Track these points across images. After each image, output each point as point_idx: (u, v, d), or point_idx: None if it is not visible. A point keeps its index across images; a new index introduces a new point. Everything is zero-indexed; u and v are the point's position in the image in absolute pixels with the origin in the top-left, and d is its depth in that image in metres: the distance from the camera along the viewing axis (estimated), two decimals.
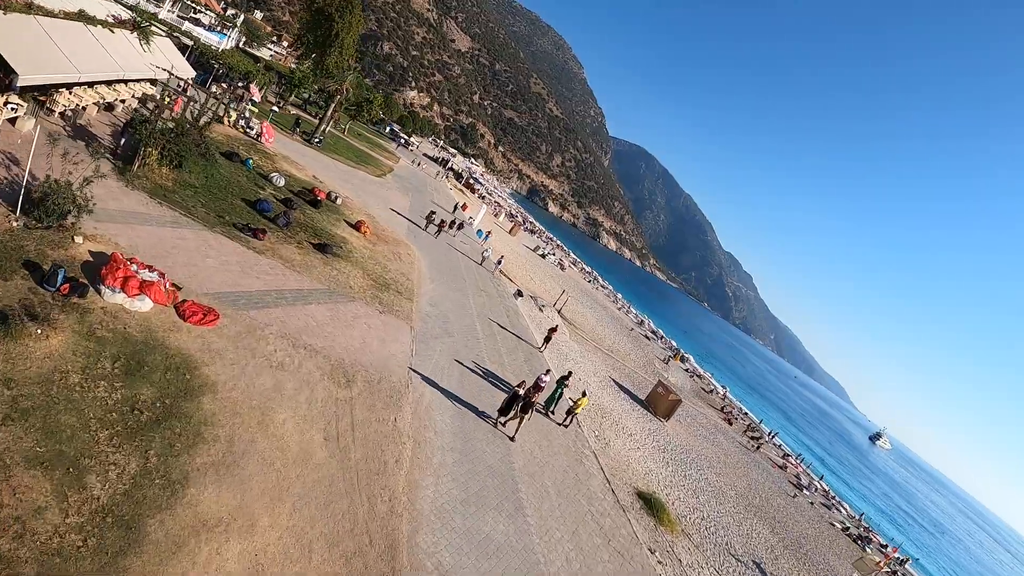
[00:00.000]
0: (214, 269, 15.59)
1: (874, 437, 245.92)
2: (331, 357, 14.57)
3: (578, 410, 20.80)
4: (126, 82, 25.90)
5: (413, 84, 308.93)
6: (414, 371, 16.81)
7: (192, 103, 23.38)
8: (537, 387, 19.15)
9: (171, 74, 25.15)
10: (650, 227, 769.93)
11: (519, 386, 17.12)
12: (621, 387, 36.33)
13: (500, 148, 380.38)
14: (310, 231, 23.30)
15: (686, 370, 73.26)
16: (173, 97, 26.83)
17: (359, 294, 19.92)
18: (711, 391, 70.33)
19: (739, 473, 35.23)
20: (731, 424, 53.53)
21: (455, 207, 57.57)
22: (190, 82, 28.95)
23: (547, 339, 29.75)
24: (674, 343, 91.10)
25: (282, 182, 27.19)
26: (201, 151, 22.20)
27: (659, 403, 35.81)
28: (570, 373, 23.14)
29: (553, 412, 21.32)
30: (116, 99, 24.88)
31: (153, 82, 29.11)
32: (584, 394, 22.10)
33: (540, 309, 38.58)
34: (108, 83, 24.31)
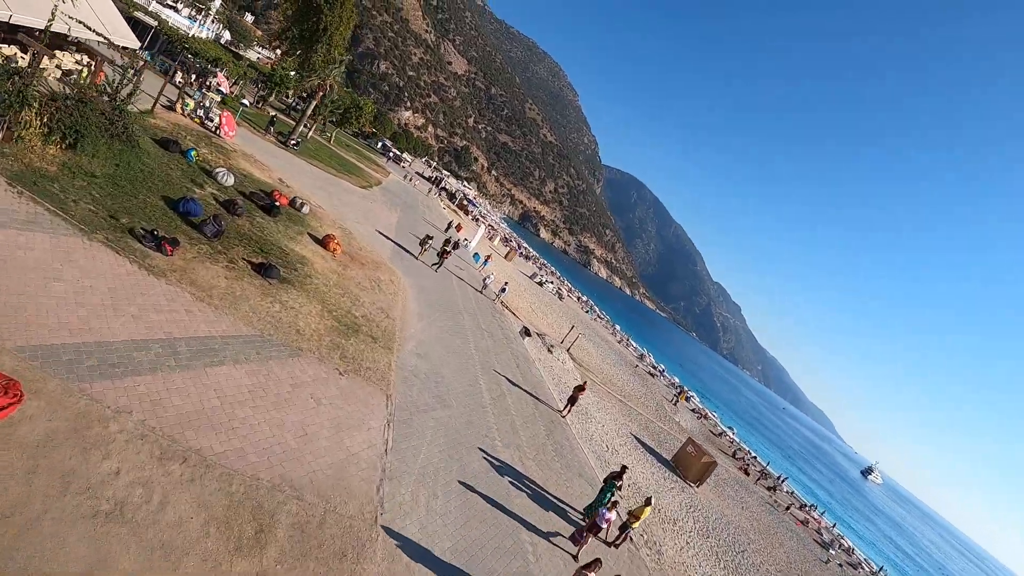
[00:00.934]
0: (59, 301, 9.07)
1: (866, 472, 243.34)
2: (235, 475, 7.97)
3: (636, 525, 14.12)
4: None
5: (408, 104, 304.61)
6: (387, 486, 10.09)
7: (121, 73, 16.93)
8: (595, 528, 12.65)
9: (103, 38, 18.60)
10: (640, 256, 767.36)
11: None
12: (644, 445, 30.06)
13: (493, 172, 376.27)
14: (253, 245, 16.55)
15: (692, 410, 67.12)
16: (95, 69, 20.43)
17: (310, 343, 13.14)
18: (720, 434, 63.96)
19: (774, 542, 30.70)
20: (747, 474, 48.49)
21: (448, 225, 51.46)
22: (140, 56, 22.55)
23: (572, 400, 22.71)
24: (676, 380, 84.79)
25: (231, 181, 20.58)
26: (116, 131, 15.77)
27: (690, 466, 29.76)
28: (624, 469, 15.18)
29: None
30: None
31: (77, 45, 22.58)
32: (648, 502, 14.91)
33: (549, 350, 32.00)
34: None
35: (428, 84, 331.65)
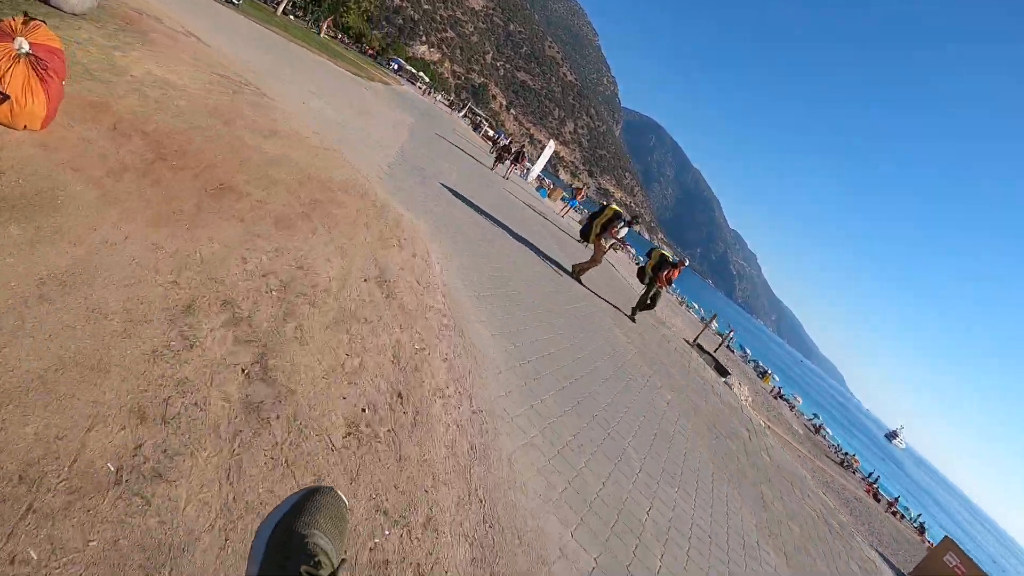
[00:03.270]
0: None
1: (890, 435, 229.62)
2: None
3: None
4: None
5: (424, 39, 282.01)
6: None
7: None
8: None
9: None
10: (657, 200, 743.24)
11: None
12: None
13: (512, 111, 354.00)
14: None
15: (791, 408, 49.80)
16: None
17: None
18: (832, 447, 46.37)
19: None
20: (878, 500, 34.06)
21: (499, 140, 35.31)
22: None
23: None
24: (760, 362, 67.17)
25: None
26: None
27: None
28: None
29: None
30: None
31: None
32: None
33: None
34: None
35: (444, 18, 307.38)
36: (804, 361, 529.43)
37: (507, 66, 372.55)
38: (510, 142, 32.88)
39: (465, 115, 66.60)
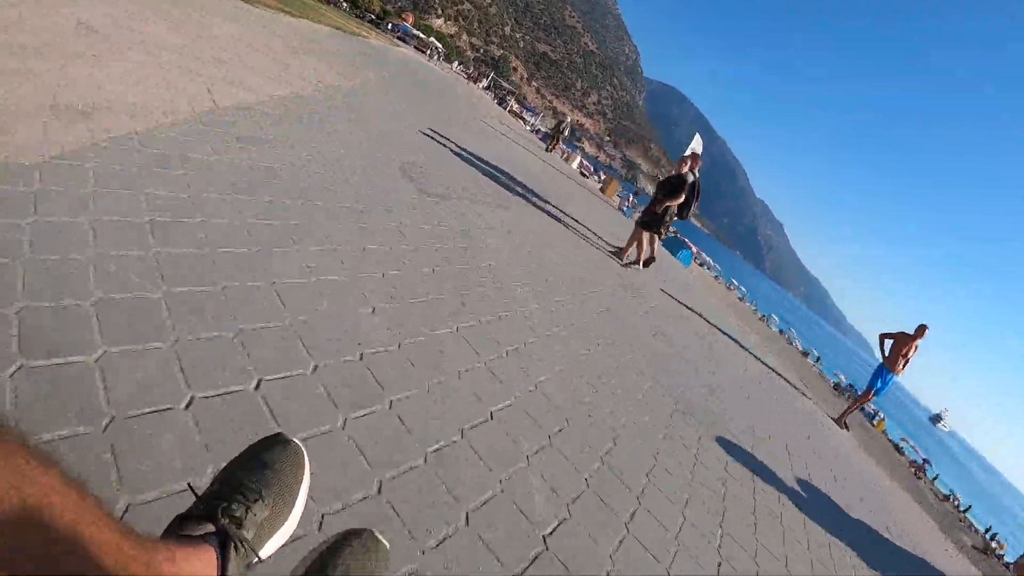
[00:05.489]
0: None
1: (934, 418, 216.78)
2: None
3: None
4: None
5: (439, 11, 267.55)
6: None
7: None
8: None
9: None
10: None
11: None
12: None
13: (533, 83, 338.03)
14: None
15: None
16: None
17: None
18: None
19: None
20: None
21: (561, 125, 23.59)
22: None
23: None
24: (855, 386, 53.55)
25: None
26: None
27: None
28: None
29: None
30: None
31: None
32: None
33: None
34: None
35: None
36: (834, 334, 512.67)
37: (527, 37, 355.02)
38: (559, 123, 24.40)
39: (488, 88, 53.63)
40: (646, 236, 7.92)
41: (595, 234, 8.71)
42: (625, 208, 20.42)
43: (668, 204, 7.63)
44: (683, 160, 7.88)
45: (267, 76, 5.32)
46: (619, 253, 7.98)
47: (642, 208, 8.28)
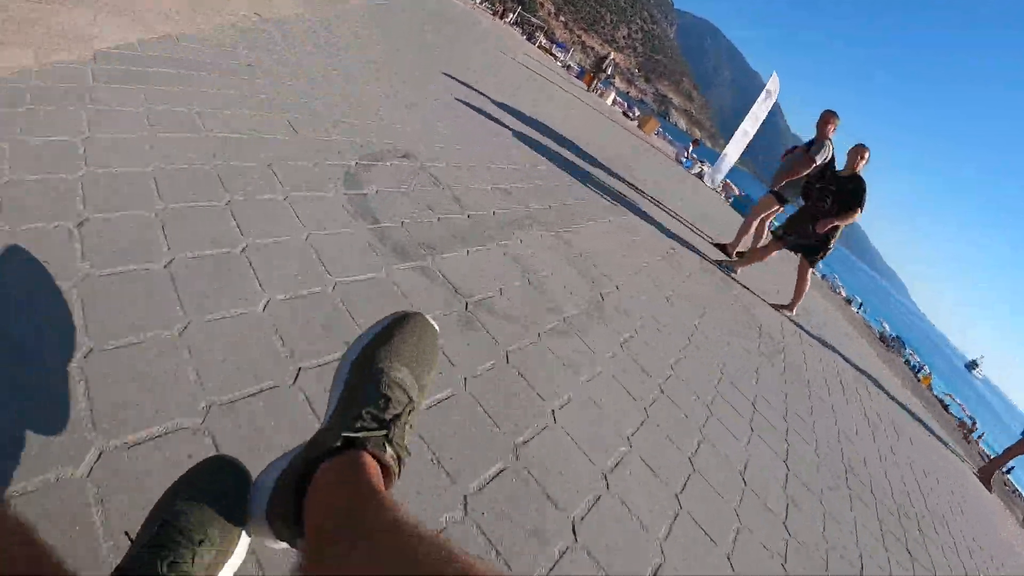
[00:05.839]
0: None
1: (970, 365, 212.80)
2: None
3: None
4: None
5: None
6: None
7: None
8: None
9: None
10: (714, 106, 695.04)
11: None
12: None
13: (561, 17, 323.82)
14: None
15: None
16: None
17: None
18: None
19: None
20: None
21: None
22: None
23: None
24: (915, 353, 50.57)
25: None
26: None
27: None
28: None
29: None
30: None
31: None
32: None
33: None
34: None
35: None
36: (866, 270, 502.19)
37: None
38: (601, 59, 22.02)
39: (515, 23, 49.57)
40: (798, 265, 5.56)
41: (690, 225, 6.16)
42: (684, 160, 17.53)
43: (840, 224, 5.09)
44: (859, 152, 5.06)
45: None
46: (730, 261, 5.79)
47: (787, 216, 5.79)
